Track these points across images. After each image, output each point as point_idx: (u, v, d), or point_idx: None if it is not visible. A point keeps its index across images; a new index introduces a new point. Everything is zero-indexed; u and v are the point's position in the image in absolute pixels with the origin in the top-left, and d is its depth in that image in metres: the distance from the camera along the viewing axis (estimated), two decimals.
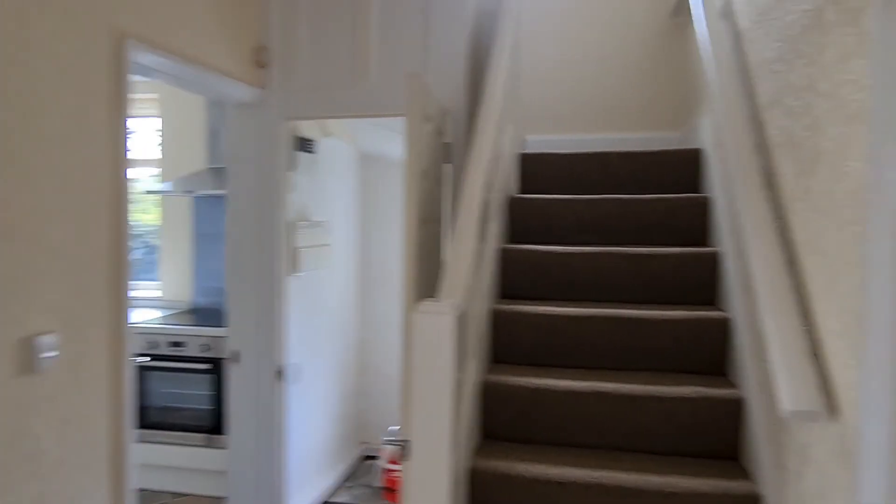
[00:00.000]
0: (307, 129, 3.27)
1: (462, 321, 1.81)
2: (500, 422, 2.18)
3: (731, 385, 2.10)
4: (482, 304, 2.30)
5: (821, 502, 1.42)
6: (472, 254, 1.85)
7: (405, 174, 1.95)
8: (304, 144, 3.21)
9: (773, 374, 1.45)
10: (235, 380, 3.00)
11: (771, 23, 1.89)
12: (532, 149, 3.36)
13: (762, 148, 1.95)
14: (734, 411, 2.01)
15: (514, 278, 2.62)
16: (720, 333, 2.21)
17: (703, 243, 2.64)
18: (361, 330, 4.33)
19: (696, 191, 2.89)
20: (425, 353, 1.54)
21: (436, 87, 2.73)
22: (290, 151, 3.02)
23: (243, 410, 3.01)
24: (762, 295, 1.57)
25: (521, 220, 2.83)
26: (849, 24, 1.33)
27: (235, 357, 2.99)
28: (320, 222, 3.46)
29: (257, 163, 2.94)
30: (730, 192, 2.28)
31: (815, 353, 1.47)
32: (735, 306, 2.15)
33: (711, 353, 2.23)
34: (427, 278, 2.35)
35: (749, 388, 1.96)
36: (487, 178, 2.16)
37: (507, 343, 2.40)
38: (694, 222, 2.64)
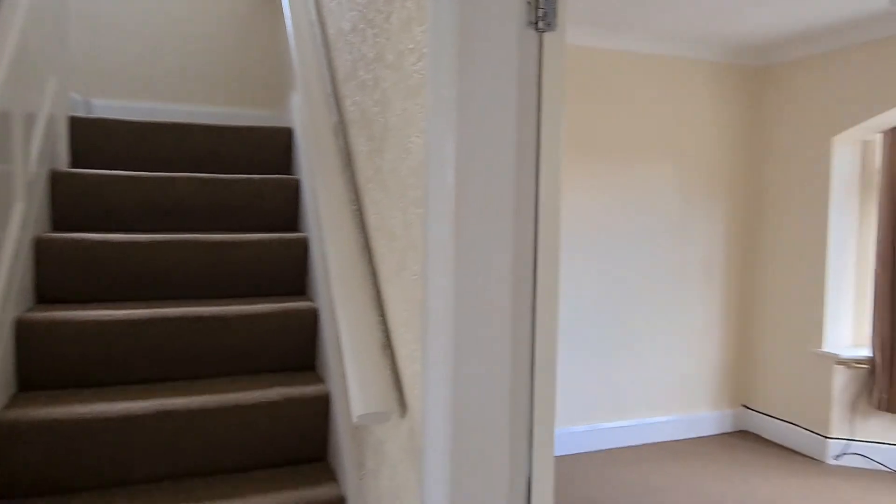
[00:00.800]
0: None
1: None
2: (26, 475, 1.61)
3: (320, 381, 1.95)
4: None
5: (396, 502, 1.34)
6: None
7: None
8: None
9: (345, 370, 1.30)
10: None
11: None
12: (99, 114, 2.73)
13: (341, 125, 1.83)
14: (322, 409, 1.87)
15: (57, 276, 2.02)
16: (309, 325, 2.05)
17: (294, 229, 2.47)
18: None
19: (287, 172, 2.70)
20: None
21: None
22: None
23: None
24: (335, 283, 1.42)
25: (72, 202, 2.22)
26: None
27: None
28: None
29: None
30: (313, 173, 2.14)
31: (388, 345, 1.38)
32: (321, 295, 2.01)
33: (300, 347, 2.06)
34: None
35: (334, 382, 1.83)
36: None
37: (44, 363, 1.82)
38: (283, 206, 2.44)
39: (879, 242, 3.59)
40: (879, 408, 3.56)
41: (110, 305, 1.98)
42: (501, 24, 0.98)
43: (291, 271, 2.24)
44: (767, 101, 4.13)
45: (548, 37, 1.05)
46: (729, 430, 4.22)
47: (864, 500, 3.25)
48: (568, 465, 3.61)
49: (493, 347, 1.05)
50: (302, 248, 2.24)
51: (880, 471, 3.60)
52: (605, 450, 3.84)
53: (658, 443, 3.97)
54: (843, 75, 3.64)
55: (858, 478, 3.50)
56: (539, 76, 1.03)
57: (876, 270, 3.60)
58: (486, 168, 0.98)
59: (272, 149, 2.67)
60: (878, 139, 3.69)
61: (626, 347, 3.91)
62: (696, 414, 4.11)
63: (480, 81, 0.98)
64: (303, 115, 2.40)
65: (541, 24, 1.04)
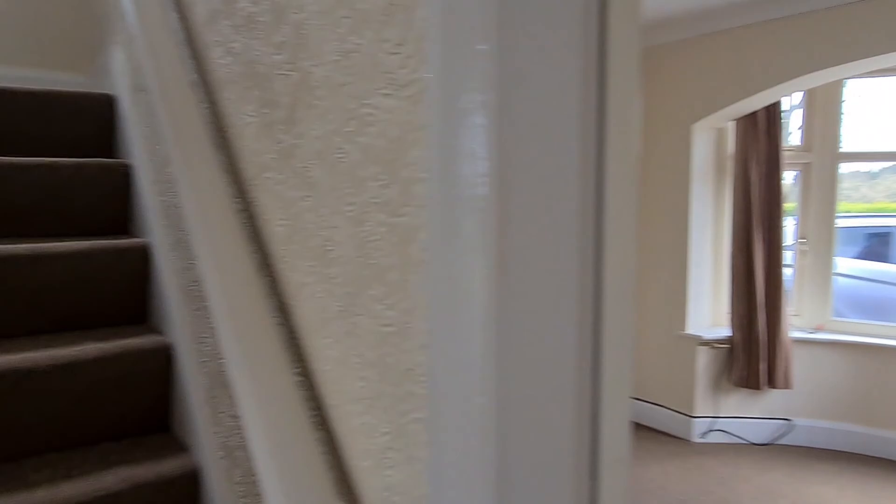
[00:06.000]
0: None
1: None
2: None
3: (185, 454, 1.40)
4: None
5: None
6: None
7: None
8: None
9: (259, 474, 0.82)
10: None
11: None
12: None
13: (204, 89, 1.28)
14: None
15: None
16: (160, 369, 1.48)
17: (123, 231, 1.83)
18: None
19: (108, 154, 2.03)
20: None
21: None
22: None
23: None
24: (224, 329, 0.91)
25: None
26: None
27: None
28: None
29: None
30: (160, 155, 1.54)
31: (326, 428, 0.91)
32: (177, 327, 1.45)
33: (147, 400, 1.47)
34: None
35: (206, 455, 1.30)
36: None
37: None
38: (106, 201, 1.80)
39: (734, 227, 3.71)
40: (738, 385, 3.70)
41: None
42: None
43: (125, 294, 1.62)
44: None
45: None
46: None
47: (729, 472, 3.34)
48: None
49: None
50: (139, 259, 1.64)
51: (740, 443, 3.76)
52: None
53: None
54: (706, 62, 3.68)
55: (722, 453, 3.62)
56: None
57: (732, 254, 3.71)
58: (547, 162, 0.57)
59: (85, 123, 1.98)
60: (730, 127, 3.80)
61: None
62: None
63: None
64: (135, 77, 1.77)
65: None
